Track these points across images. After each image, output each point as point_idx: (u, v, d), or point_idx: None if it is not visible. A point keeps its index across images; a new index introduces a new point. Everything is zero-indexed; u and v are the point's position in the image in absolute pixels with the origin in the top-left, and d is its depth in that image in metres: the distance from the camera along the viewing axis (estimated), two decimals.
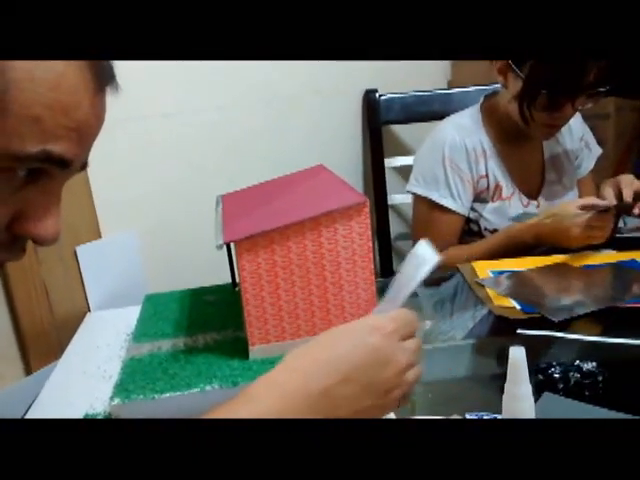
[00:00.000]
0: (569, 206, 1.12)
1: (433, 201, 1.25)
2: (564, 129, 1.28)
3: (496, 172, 1.26)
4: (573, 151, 1.33)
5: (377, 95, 1.58)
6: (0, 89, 0.41)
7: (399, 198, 1.65)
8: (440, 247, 1.30)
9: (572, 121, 1.27)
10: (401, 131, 1.69)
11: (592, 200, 1.11)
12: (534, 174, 1.31)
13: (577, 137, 1.34)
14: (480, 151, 1.25)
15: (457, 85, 1.66)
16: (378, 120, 1.59)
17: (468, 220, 1.28)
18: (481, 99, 1.31)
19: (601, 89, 1.12)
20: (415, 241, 1.40)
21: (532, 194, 1.29)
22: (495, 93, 1.29)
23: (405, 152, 1.69)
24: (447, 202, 1.24)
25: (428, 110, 1.59)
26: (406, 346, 0.55)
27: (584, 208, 1.08)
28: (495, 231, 1.24)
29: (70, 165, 0.46)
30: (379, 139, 1.60)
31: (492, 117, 1.27)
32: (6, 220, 0.46)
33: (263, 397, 0.50)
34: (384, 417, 0.56)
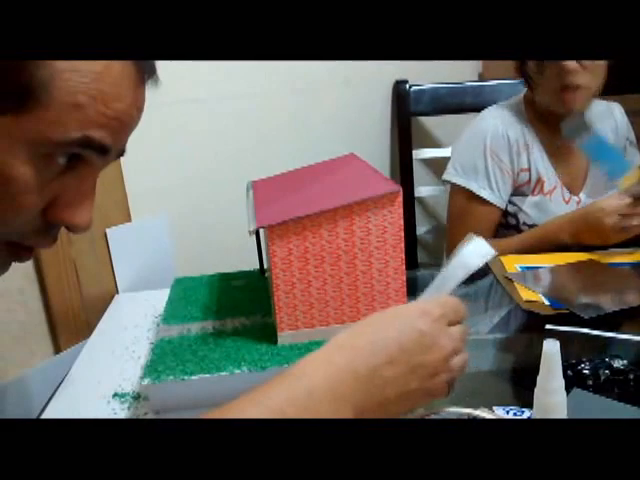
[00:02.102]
0: (604, 199, 1.09)
1: (471, 191, 1.23)
2: (609, 126, 1.26)
3: (539, 165, 1.23)
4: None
5: (407, 86, 1.57)
6: (45, 78, 0.42)
7: (425, 190, 1.64)
8: None
9: (619, 119, 1.25)
10: (430, 123, 1.68)
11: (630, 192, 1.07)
12: (578, 170, 1.27)
13: (622, 136, 1.31)
14: (522, 143, 1.23)
15: (488, 78, 1.65)
16: (407, 111, 1.58)
17: (506, 213, 1.26)
18: (524, 90, 1.28)
19: None
20: (449, 230, 1.38)
21: (574, 190, 1.26)
22: None
23: (433, 144, 1.68)
24: (485, 193, 1.22)
25: (458, 102, 1.58)
26: (452, 332, 0.55)
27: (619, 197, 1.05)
28: (533, 226, 1.22)
29: (109, 152, 0.47)
30: (408, 130, 1.59)
31: (533, 110, 1.25)
32: (42, 206, 0.47)
33: (311, 374, 0.50)
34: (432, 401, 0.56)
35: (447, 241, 1.33)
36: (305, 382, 0.49)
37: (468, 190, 1.23)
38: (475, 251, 0.60)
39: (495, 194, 1.22)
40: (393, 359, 0.52)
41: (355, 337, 0.53)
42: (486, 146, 1.22)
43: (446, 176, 1.28)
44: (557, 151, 1.25)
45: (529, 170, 1.23)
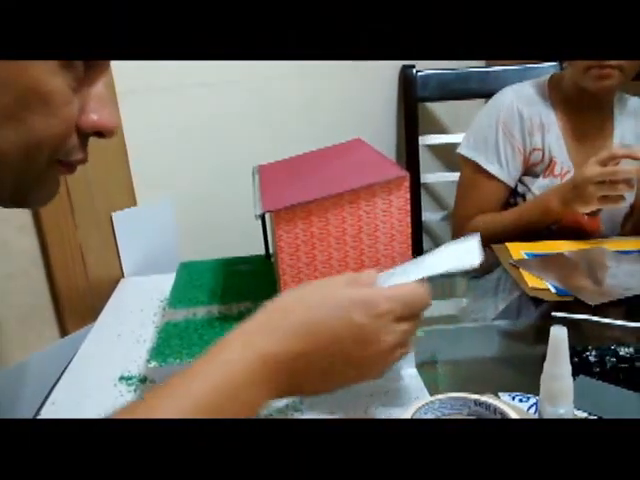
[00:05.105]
0: (589, 166, 1.05)
1: (479, 165, 1.22)
2: (635, 117, 1.25)
3: (553, 147, 1.21)
4: None
5: (414, 71, 1.56)
6: None
7: (431, 177, 1.64)
8: (479, 213, 1.27)
9: None
10: (437, 109, 1.67)
11: (612, 151, 1.05)
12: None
13: None
14: (537, 123, 1.21)
15: (495, 64, 1.63)
16: (414, 96, 1.57)
17: (516, 194, 1.25)
18: (537, 75, 1.28)
19: None
20: (456, 203, 1.37)
21: None
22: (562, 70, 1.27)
23: (440, 130, 1.67)
24: (493, 168, 1.21)
25: (465, 88, 1.56)
26: (397, 328, 0.54)
27: (604, 162, 1.03)
28: None
29: None
30: (414, 116, 1.58)
31: (558, 91, 1.24)
32: (76, 117, 0.47)
33: (239, 357, 0.49)
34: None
35: (453, 214, 1.32)
36: (232, 367, 0.48)
37: (477, 163, 1.23)
38: (465, 255, 0.59)
39: (503, 170, 1.21)
40: (323, 348, 0.51)
41: (286, 318, 0.52)
42: (499, 121, 1.21)
43: (459, 149, 1.27)
44: (577, 136, 1.23)
45: (542, 150, 1.21)
